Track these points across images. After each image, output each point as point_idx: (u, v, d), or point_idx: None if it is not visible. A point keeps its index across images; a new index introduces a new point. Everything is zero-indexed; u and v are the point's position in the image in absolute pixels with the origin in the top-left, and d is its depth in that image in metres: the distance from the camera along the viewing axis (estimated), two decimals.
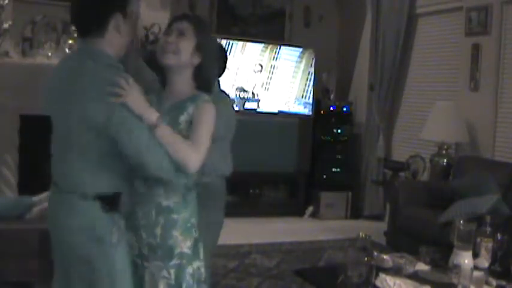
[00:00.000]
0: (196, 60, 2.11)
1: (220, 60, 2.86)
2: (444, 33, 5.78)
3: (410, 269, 2.76)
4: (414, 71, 6.18)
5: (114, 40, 1.98)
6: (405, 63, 6.22)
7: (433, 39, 5.92)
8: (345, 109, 6.52)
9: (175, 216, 2.04)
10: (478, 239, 2.79)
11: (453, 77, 5.58)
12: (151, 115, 1.91)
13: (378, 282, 2.57)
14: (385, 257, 2.87)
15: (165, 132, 1.93)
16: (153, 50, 3.55)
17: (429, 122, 5.25)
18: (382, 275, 2.62)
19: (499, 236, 2.86)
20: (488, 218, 2.92)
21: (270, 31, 6.65)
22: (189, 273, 2.06)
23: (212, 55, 2.19)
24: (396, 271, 2.73)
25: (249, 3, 6.59)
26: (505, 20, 5.05)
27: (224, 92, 2.98)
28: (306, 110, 6.32)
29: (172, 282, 2.03)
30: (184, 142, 1.96)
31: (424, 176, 5.57)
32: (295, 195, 6.41)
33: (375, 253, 2.81)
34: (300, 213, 6.29)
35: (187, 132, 2.01)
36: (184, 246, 2.05)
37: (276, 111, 6.18)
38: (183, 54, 2.08)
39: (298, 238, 5.32)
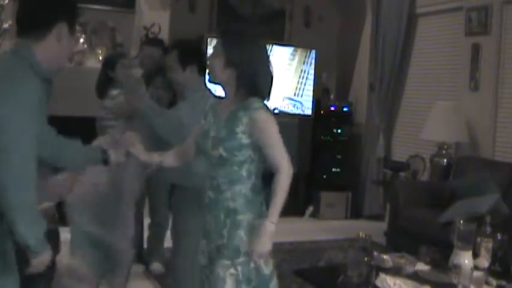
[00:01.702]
0: (232, 73, 2.17)
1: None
2: (444, 33, 5.78)
3: (410, 269, 2.76)
4: (414, 71, 6.18)
5: (52, 49, 1.82)
6: (405, 63, 6.22)
7: (433, 39, 5.92)
8: (345, 109, 6.52)
9: (240, 217, 2.18)
10: (478, 239, 2.79)
11: (453, 77, 5.58)
12: (269, 227, 2.11)
13: (378, 282, 2.57)
14: (385, 257, 2.87)
15: (276, 217, 2.14)
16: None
17: (429, 122, 5.24)
18: (382, 275, 2.62)
19: (499, 236, 2.87)
20: (488, 218, 2.92)
21: (270, 31, 6.64)
22: (254, 268, 2.19)
23: (249, 65, 2.17)
24: (396, 271, 2.73)
25: (249, 3, 6.59)
26: (505, 20, 5.05)
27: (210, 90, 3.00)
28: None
29: (240, 277, 2.16)
30: (280, 192, 2.19)
31: (424, 176, 5.57)
32: (295, 195, 6.40)
33: (375, 253, 2.81)
34: (300, 213, 6.28)
35: (246, 141, 2.15)
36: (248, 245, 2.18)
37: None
38: (215, 72, 2.20)
39: (298, 238, 5.32)
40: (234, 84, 2.19)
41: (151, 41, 4.94)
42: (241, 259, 2.16)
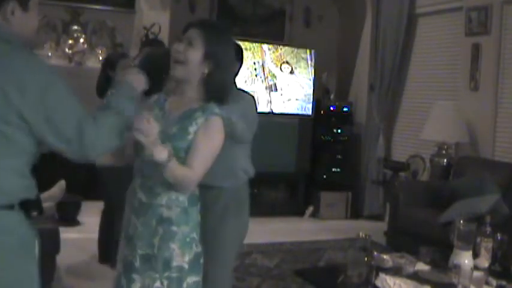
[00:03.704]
0: (206, 69, 2.04)
1: (237, 64, 2.78)
2: (444, 33, 5.78)
3: (410, 269, 2.75)
4: (414, 71, 6.18)
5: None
6: (405, 63, 6.22)
7: (433, 39, 5.92)
8: (345, 109, 6.52)
9: (175, 228, 2.00)
10: (478, 239, 2.79)
11: (453, 77, 5.58)
12: (162, 153, 1.87)
13: (377, 282, 2.57)
14: (385, 257, 2.87)
15: (173, 167, 1.90)
16: (150, 53, 3.52)
17: (429, 122, 5.25)
18: (382, 275, 2.61)
19: (499, 236, 2.86)
20: (488, 218, 2.92)
21: (270, 31, 6.65)
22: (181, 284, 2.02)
23: (224, 63, 2.08)
24: (396, 271, 2.73)
25: (249, 3, 6.59)
26: (505, 20, 5.05)
27: (244, 90, 2.89)
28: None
29: None
30: (185, 170, 1.94)
31: (424, 176, 5.58)
32: (295, 195, 6.41)
33: (375, 253, 2.81)
34: (300, 213, 6.29)
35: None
36: (182, 260, 2.01)
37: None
38: (190, 65, 2.02)
39: (298, 238, 5.32)
40: (200, 81, 2.05)
41: (154, 41, 4.92)
42: (169, 274, 1.99)
